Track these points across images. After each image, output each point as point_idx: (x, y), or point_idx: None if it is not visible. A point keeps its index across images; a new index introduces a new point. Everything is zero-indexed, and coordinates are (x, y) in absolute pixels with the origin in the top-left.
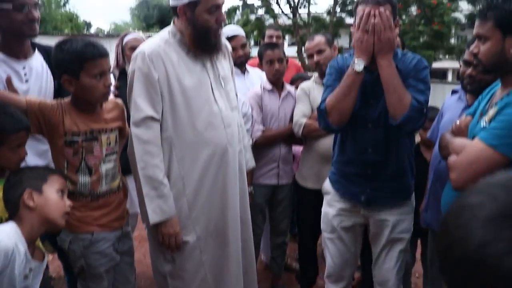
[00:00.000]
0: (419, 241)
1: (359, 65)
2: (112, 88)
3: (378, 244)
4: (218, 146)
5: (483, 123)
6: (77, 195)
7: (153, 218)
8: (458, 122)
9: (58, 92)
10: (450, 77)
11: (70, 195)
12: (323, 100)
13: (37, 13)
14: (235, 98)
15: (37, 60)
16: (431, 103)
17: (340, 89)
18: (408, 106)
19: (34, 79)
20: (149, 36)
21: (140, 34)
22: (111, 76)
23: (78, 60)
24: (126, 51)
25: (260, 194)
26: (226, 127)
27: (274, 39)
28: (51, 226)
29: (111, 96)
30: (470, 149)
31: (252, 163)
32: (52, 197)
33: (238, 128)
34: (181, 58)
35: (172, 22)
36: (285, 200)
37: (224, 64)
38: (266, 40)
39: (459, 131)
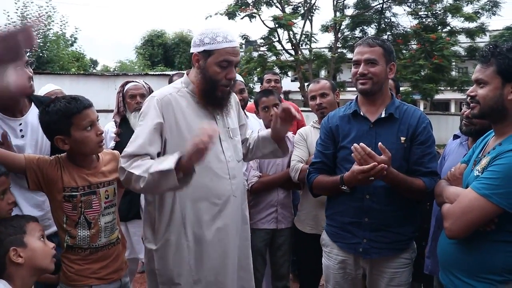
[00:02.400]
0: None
1: (346, 189)
2: (113, 135)
3: None
4: (221, 197)
5: (476, 172)
6: (76, 248)
7: (170, 164)
8: (453, 170)
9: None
10: (453, 108)
11: (69, 249)
12: (314, 168)
13: (30, 71)
14: (241, 151)
15: (33, 115)
16: (434, 134)
17: (326, 185)
18: (424, 191)
19: (30, 134)
20: (147, 85)
21: (141, 81)
22: (113, 123)
23: (65, 117)
24: (126, 99)
25: (259, 238)
26: (231, 178)
27: (272, 83)
28: (41, 273)
29: (112, 143)
30: (464, 198)
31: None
32: (37, 246)
33: (243, 179)
34: (191, 107)
35: (185, 73)
36: (285, 244)
37: (233, 115)
38: (264, 84)
39: (454, 179)
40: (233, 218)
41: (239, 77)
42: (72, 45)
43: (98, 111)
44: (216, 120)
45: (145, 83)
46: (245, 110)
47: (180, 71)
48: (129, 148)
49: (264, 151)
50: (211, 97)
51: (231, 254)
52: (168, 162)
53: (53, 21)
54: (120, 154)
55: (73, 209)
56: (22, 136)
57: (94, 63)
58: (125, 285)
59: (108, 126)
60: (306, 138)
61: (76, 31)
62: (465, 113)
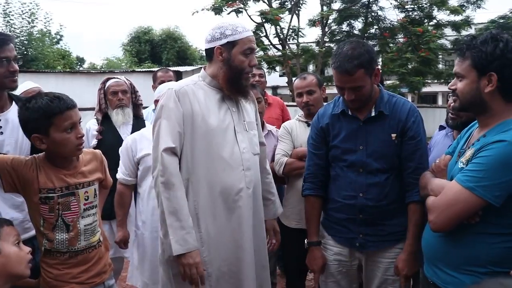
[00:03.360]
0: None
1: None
2: (94, 132)
3: (371, 285)
4: (234, 188)
5: (460, 164)
6: (54, 252)
7: (177, 249)
8: (437, 161)
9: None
10: (440, 100)
11: (47, 253)
12: (309, 173)
13: (17, 66)
14: (258, 144)
15: (14, 113)
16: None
17: (307, 218)
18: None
19: (10, 131)
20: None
21: (122, 78)
22: (95, 120)
23: (45, 116)
24: (108, 96)
25: None
26: (245, 170)
27: (257, 78)
28: (16, 279)
29: (94, 141)
30: (448, 191)
31: (280, 210)
32: (11, 252)
33: (261, 173)
34: (208, 99)
35: (202, 68)
36: None
37: (250, 111)
38: None
39: (439, 170)
40: (247, 211)
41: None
42: (57, 42)
43: (85, 109)
44: (231, 113)
45: (127, 79)
46: (263, 120)
47: (165, 67)
48: (165, 143)
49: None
50: (238, 85)
51: (246, 246)
52: (176, 247)
53: (36, 18)
54: (102, 152)
55: (50, 211)
56: (1, 133)
57: (81, 61)
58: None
59: (89, 123)
60: (291, 131)
61: (61, 28)
62: (451, 105)
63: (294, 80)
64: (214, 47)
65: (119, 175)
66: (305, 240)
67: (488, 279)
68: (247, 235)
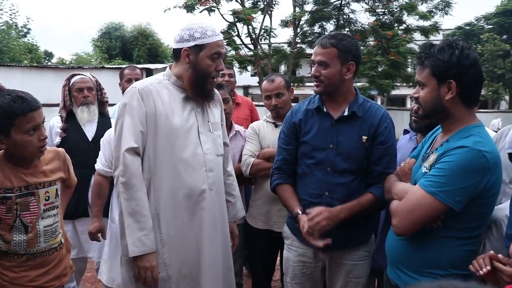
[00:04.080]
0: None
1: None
2: (58, 130)
3: (334, 287)
4: (196, 189)
5: (424, 168)
6: (11, 254)
7: (133, 251)
8: (402, 165)
9: None
10: (409, 103)
11: (3, 255)
12: (277, 167)
13: None
14: (222, 146)
15: None
16: None
17: (283, 201)
18: (376, 201)
19: None
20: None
21: (88, 74)
22: (58, 117)
23: (7, 117)
24: (73, 92)
25: None
26: (208, 171)
27: (226, 77)
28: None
29: (57, 139)
30: (411, 196)
31: (242, 213)
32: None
33: (224, 175)
34: (172, 98)
35: (168, 67)
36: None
37: (215, 111)
38: (218, 78)
39: (403, 174)
40: (209, 213)
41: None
42: (24, 36)
43: (52, 105)
44: (195, 114)
45: (92, 76)
46: (231, 121)
47: (132, 65)
48: (127, 143)
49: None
50: (202, 89)
51: (206, 250)
52: (132, 248)
53: (1, 9)
54: (66, 150)
55: (7, 211)
56: None
57: (49, 55)
58: None
59: (53, 120)
60: (258, 132)
61: (28, 21)
62: (414, 109)
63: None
64: (182, 48)
65: (98, 166)
66: (296, 211)
67: (427, 281)
68: (208, 238)
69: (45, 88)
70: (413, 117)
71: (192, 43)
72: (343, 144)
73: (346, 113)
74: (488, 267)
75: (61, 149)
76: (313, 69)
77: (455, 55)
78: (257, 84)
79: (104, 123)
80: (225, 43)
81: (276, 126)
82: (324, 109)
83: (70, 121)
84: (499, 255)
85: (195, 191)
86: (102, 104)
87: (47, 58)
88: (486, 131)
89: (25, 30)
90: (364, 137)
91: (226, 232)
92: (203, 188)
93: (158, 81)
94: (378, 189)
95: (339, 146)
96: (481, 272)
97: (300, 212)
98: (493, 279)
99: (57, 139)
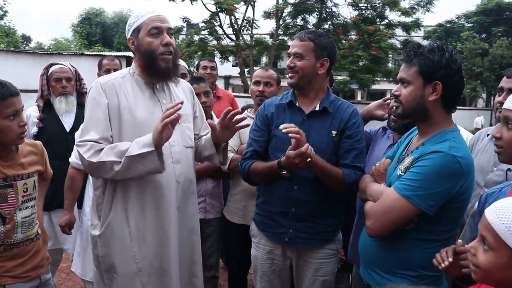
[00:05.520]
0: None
1: (286, 174)
2: (35, 120)
3: (301, 284)
4: (162, 181)
5: (399, 171)
6: None
7: (149, 144)
8: (377, 165)
9: None
10: None
11: None
12: (247, 156)
13: None
14: (192, 138)
15: None
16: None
17: (263, 170)
18: (342, 181)
19: None
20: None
21: (67, 64)
22: (36, 107)
23: None
24: (51, 82)
25: None
26: (174, 163)
27: (208, 70)
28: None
29: (34, 129)
30: (385, 198)
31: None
32: None
33: (192, 167)
34: (136, 92)
35: (133, 61)
36: (213, 235)
37: (186, 102)
38: (200, 70)
39: (378, 174)
40: (176, 205)
41: (182, 62)
42: (1, 18)
43: (29, 91)
44: (161, 106)
45: (72, 66)
46: (211, 113)
47: (111, 55)
48: (90, 135)
49: (204, 154)
50: (154, 69)
51: (171, 242)
52: (145, 143)
53: None
54: (43, 141)
55: None
56: None
57: (27, 39)
58: (45, 282)
59: (30, 110)
60: None
61: (5, 4)
62: (393, 107)
63: (247, 72)
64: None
65: (71, 159)
66: (282, 172)
67: None
68: (173, 231)
69: (22, 74)
70: (392, 116)
71: (131, 30)
72: (313, 138)
73: (317, 108)
74: (450, 259)
75: (39, 142)
76: (288, 60)
77: (445, 57)
78: (238, 75)
79: (82, 114)
80: (167, 20)
81: None
82: (297, 104)
83: (47, 111)
84: (459, 241)
85: (161, 183)
86: (81, 94)
87: (25, 42)
88: (461, 136)
89: (1, 13)
90: (334, 132)
91: (194, 224)
92: (169, 180)
93: (122, 75)
94: (348, 171)
95: (309, 140)
96: (443, 265)
97: (279, 159)
98: (457, 272)
99: (34, 129)
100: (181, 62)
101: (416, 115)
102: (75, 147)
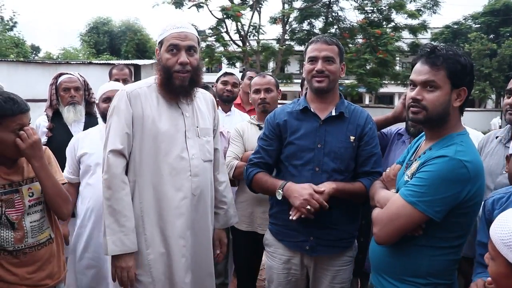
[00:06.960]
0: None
1: (279, 196)
2: (44, 129)
3: None
4: (179, 193)
5: (406, 176)
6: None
7: (112, 249)
8: (388, 171)
9: None
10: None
11: None
12: (254, 163)
13: None
14: (211, 152)
15: None
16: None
17: (265, 184)
18: (366, 193)
19: None
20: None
21: (76, 74)
22: (45, 116)
23: None
24: (60, 92)
25: None
26: (192, 176)
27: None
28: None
29: (43, 138)
30: (392, 205)
31: (235, 220)
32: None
33: (215, 182)
34: (160, 103)
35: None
36: None
37: (207, 116)
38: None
39: (388, 180)
40: (189, 218)
41: (237, 73)
42: (11, 29)
43: (38, 101)
44: (184, 119)
45: (80, 75)
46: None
47: (120, 64)
48: (112, 145)
49: None
50: (170, 86)
51: (186, 253)
52: (112, 247)
53: None
54: (52, 150)
55: None
56: None
57: (36, 49)
58: None
59: (40, 119)
60: (242, 134)
61: (15, 15)
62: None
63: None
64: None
65: (64, 173)
66: (279, 189)
67: None
68: (188, 243)
69: (32, 83)
70: (410, 122)
71: (158, 42)
72: (331, 144)
73: (333, 113)
74: None
75: (45, 147)
76: (318, 64)
77: (469, 63)
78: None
79: (91, 123)
80: (190, 36)
81: (260, 128)
82: (312, 110)
83: (56, 120)
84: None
85: (178, 195)
86: (89, 104)
87: (34, 52)
88: (469, 139)
89: (11, 24)
90: (352, 137)
91: (208, 238)
92: (186, 192)
93: (148, 85)
94: (367, 181)
95: (326, 146)
96: None
97: (286, 183)
98: None
99: (44, 139)
100: (237, 73)
101: (438, 121)
102: (67, 163)
